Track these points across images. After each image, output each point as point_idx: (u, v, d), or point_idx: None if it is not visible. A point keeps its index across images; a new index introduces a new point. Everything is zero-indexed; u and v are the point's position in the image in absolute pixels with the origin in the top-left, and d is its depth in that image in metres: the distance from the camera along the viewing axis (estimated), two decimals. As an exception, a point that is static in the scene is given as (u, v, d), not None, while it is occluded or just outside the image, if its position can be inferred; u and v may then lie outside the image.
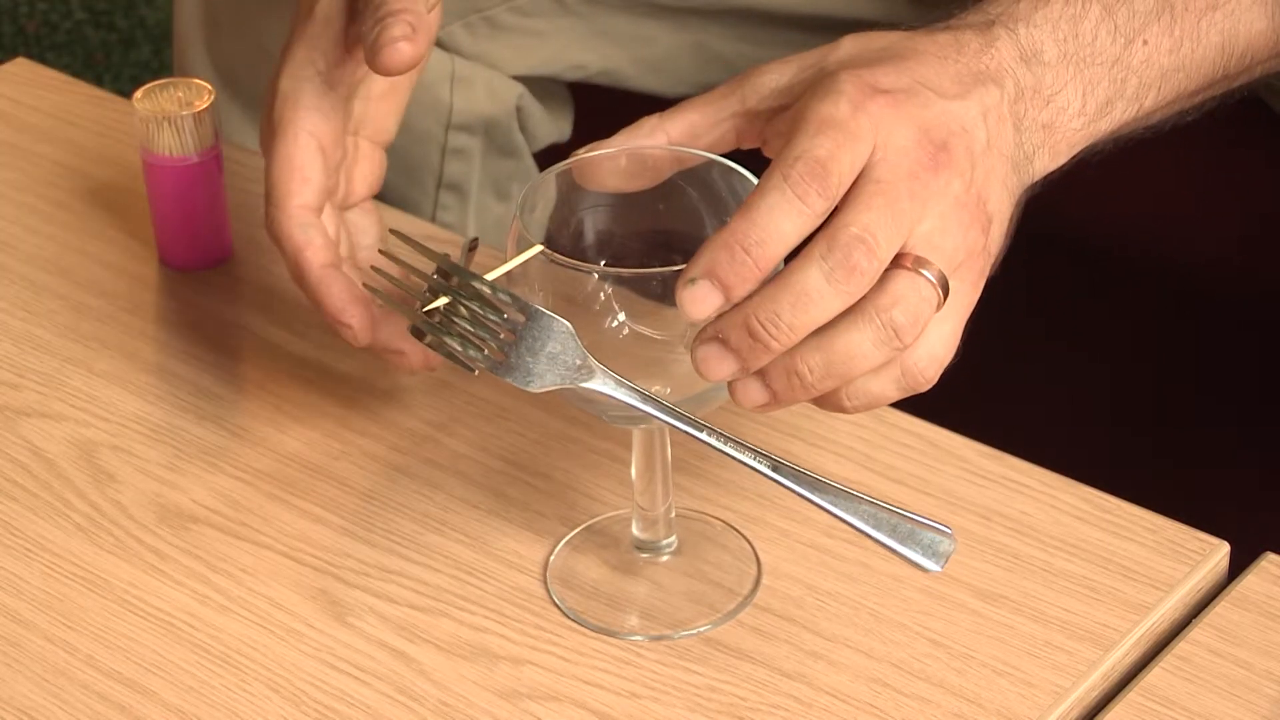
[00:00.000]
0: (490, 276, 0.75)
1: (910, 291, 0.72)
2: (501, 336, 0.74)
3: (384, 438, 0.91)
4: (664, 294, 0.73)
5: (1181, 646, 0.79)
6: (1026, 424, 1.02)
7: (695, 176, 0.78)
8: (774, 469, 0.74)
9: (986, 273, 0.77)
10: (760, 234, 0.71)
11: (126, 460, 0.90)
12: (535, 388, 0.74)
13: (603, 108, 1.31)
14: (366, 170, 0.91)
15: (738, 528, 0.85)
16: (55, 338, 0.98)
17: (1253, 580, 0.82)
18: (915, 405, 0.91)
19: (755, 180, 0.76)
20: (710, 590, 0.82)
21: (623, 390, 0.74)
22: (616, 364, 0.75)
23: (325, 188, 0.87)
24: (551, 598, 0.82)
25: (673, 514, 0.83)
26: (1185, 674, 0.78)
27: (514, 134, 1.25)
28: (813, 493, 0.74)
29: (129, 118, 1.13)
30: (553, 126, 1.28)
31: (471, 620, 0.82)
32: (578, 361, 0.74)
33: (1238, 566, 0.83)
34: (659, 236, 0.78)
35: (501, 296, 0.73)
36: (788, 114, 0.76)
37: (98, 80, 2.37)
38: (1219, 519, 0.86)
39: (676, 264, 0.73)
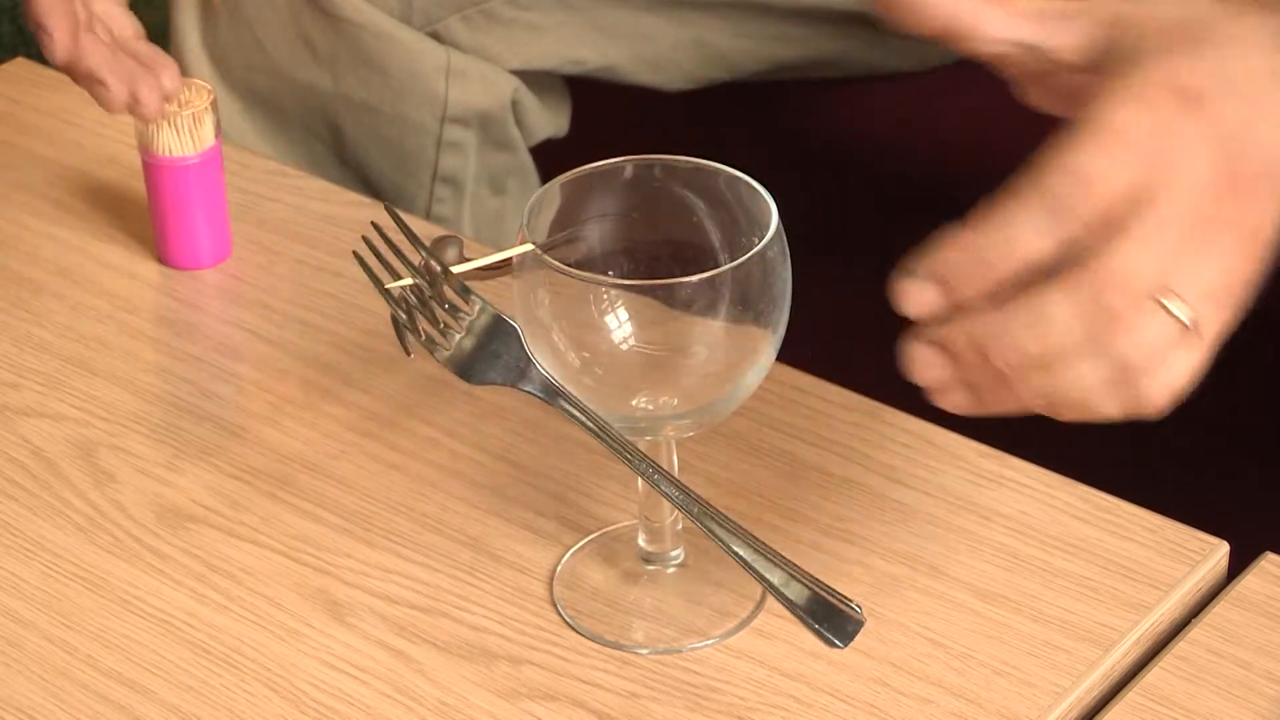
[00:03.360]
0: (469, 266, 0.76)
1: (1158, 336, 0.67)
2: (451, 327, 0.76)
3: (384, 438, 0.91)
4: (668, 304, 0.73)
5: (1181, 646, 0.79)
6: (1026, 424, 1.02)
7: (701, 185, 0.78)
8: (699, 514, 0.75)
9: (1246, 298, 0.70)
10: (1002, 244, 0.67)
11: (126, 460, 0.90)
12: (473, 382, 0.76)
13: (600, 103, 1.31)
14: None
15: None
16: (55, 338, 0.98)
17: (1252, 580, 0.82)
18: (915, 405, 0.91)
19: (761, 189, 0.76)
20: (717, 602, 0.82)
21: (560, 401, 0.75)
22: (621, 374, 0.76)
23: None
24: (560, 613, 0.82)
25: (679, 525, 0.83)
26: (1185, 674, 0.78)
27: (509, 128, 1.25)
28: (733, 544, 0.74)
29: (129, 118, 1.13)
30: (549, 121, 1.28)
31: (471, 620, 0.82)
32: (520, 365, 0.75)
33: (1237, 566, 0.83)
34: (665, 246, 0.78)
35: (458, 288, 0.75)
36: (1076, 93, 0.70)
37: (97, 77, 2.37)
38: (1219, 519, 0.86)
39: (680, 274, 0.73)
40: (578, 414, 0.75)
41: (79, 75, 0.87)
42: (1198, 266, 0.67)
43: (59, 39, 0.84)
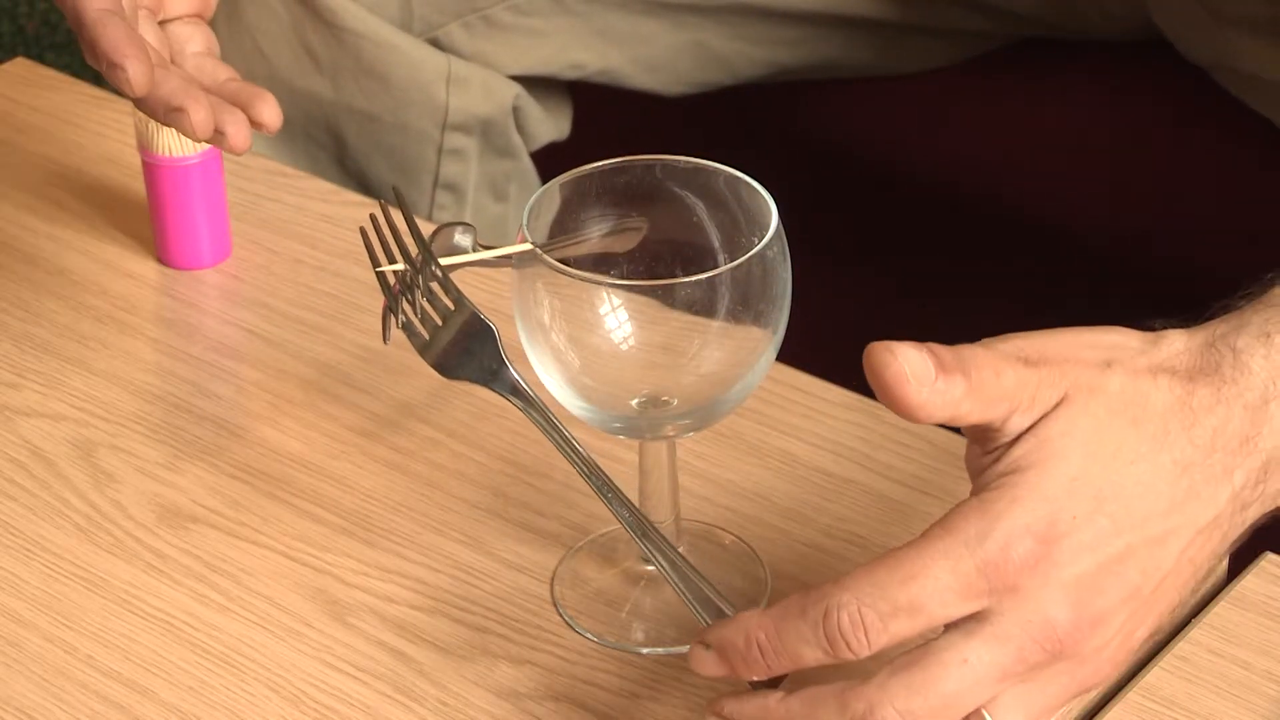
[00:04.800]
0: (467, 259, 0.77)
1: None
2: (430, 317, 0.77)
3: (384, 438, 0.91)
4: (668, 304, 0.73)
5: (1181, 646, 0.79)
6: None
7: (700, 184, 0.78)
8: (642, 536, 0.75)
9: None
10: (778, 649, 0.68)
11: (126, 460, 0.90)
12: (447, 376, 0.77)
13: (601, 107, 1.31)
14: None
15: (738, 528, 0.85)
16: (55, 338, 0.98)
17: (1252, 580, 0.82)
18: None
19: (761, 189, 0.76)
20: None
21: (522, 404, 0.76)
22: (621, 374, 0.76)
23: None
24: (560, 613, 0.82)
25: (678, 526, 0.83)
26: (1185, 674, 0.78)
27: (511, 134, 1.25)
28: (674, 575, 0.75)
29: (129, 118, 1.13)
30: (551, 126, 1.28)
31: (471, 620, 0.82)
32: (494, 365, 0.76)
33: (1237, 566, 0.83)
34: (664, 246, 0.78)
35: (443, 282, 0.75)
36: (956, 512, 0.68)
37: (98, 80, 2.37)
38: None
39: (680, 274, 0.73)
40: (541, 421, 0.76)
41: (157, 106, 0.84)
42: (1026, 697, 0.68)
43: (135, 69, 0.81)
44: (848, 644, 0.66)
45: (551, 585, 0.83)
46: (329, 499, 0.88)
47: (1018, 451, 0.68)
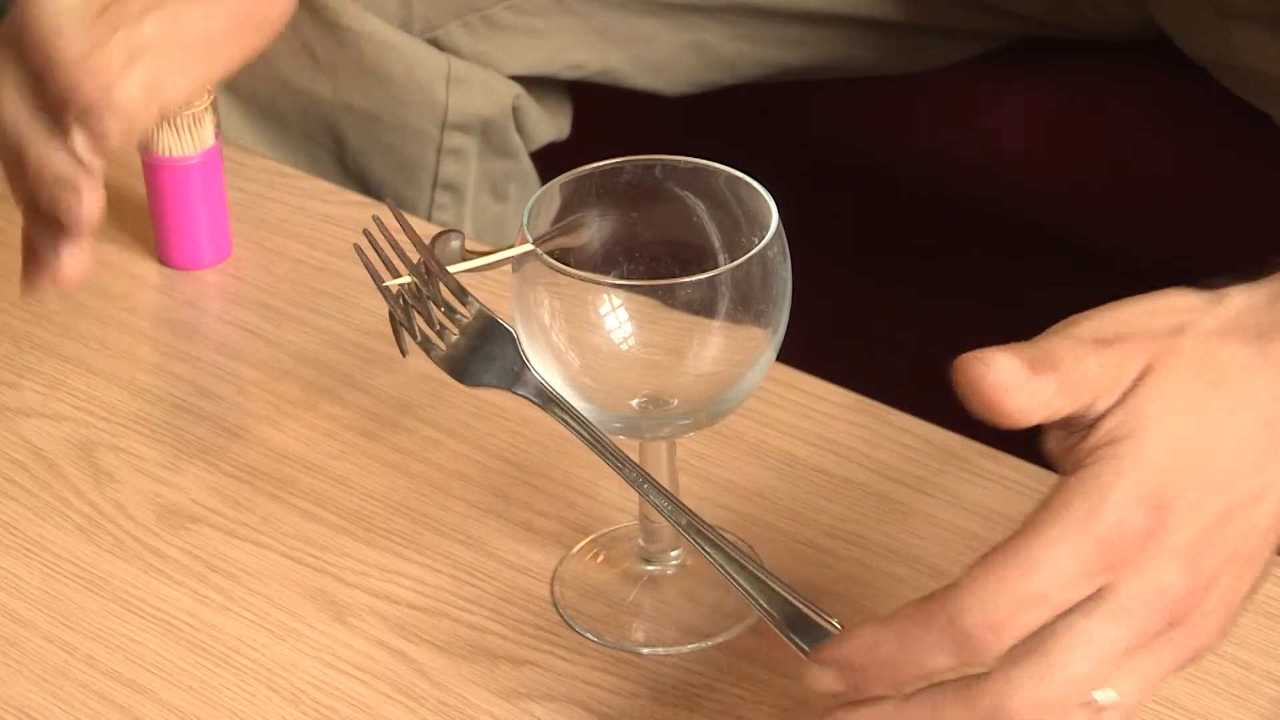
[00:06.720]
0: (468, 266, 0.76)
1: None
2: (446, 327, 0.76)
3: (384, 438, 0.91)
4: (668, 304, 0.73)
5: (1181, 647, 0.79)
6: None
7: (700, 184, 0.78)
8: (686, 525, 0.74)
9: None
10: (901, 661, 0.66)
11: (126, 460, 0.90)
12: (468, 384, 0.76)
13: (601, 107, 1.31)
14: None
15: (738, 528, 0.85)
16: (55, 338, 0.98)
17: (1252, 580, 0.82)
18: (915, 405, 0.91)
19: (761, 189, 0.76)
20: (717, 602, 0.82)
21: (553, 406, 0.75)
22: (621, 374, 0.76)
23: None
24: (560, 613, 0.82)
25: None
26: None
27: (510, 134, 1.25)
28: (717, 555, 0.73)
29: (128, 117, 1.13)
30: (551, 126, 1.28)
31: (471, 620, 0.82)
32: (515, 369, 0.76)
33: (1237, 567, 0.83)
34: (665, 246, 0.78)
35: (454, 289, 0.75)
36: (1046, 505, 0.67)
37: (96, 80, 2.37)
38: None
39: (680, 274, 0.73)
40: (570, 420, 0.75)
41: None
42: (1141, 681, 0.67)
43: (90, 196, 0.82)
44: (980, 646, 0.65)
45: (551, 585, 0.83)
46: (329, 499, 0.88)
47: (1109, 424, 0.67)
